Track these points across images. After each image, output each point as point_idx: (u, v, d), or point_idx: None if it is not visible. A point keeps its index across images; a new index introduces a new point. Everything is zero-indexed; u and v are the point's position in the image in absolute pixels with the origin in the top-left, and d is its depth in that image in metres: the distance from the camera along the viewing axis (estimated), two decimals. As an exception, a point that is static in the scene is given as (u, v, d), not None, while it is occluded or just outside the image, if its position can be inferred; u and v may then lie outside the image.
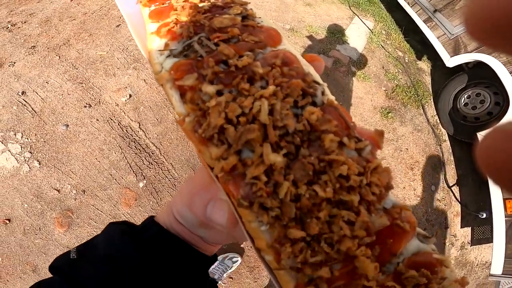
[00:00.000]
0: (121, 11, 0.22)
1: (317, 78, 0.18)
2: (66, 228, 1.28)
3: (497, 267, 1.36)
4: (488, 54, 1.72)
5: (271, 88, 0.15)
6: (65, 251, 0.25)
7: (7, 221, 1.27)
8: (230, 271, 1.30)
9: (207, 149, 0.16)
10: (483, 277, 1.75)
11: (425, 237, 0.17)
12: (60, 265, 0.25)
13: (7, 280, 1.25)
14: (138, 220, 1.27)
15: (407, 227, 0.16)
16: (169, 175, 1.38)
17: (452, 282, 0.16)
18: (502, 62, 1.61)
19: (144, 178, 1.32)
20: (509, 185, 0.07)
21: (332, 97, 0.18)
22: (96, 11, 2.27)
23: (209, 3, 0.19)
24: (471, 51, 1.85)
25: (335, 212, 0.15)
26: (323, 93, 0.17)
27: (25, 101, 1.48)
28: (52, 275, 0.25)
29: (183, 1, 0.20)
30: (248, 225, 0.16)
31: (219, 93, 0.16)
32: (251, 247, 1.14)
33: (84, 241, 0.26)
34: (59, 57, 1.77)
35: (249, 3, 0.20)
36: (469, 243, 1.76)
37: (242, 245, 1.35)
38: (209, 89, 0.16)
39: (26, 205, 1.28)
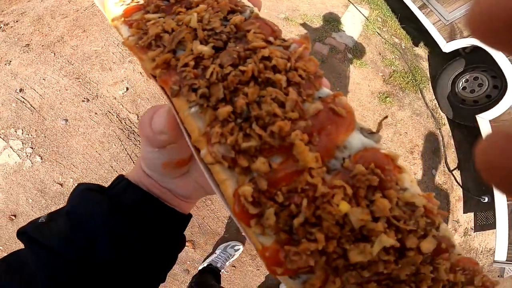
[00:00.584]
0: None
1: (249, 4, 0.19)
2: (71, 221, 1.31)
3: (501, 254, 1.34)
4: None
5: (202, 6, 0.17)
6: None
7: (13, 217, 1.30)
8: (232, 259, 1.32)
9: (147, 55, 0.17)
10: (488, 264, 1.73)
11: (370, 132, 0.16)
12: (25, 228, 0.24)
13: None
14: None
15: (343, 112, 0.15)
16: None
17: (416, 195, 0.15)
18: None
19: None
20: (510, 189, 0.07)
21: (258, 12, 0.19)
22: (88, 7, 2.27)
23: None
24: (467, 36, 1.86)
25: (263, 93, 0.15)
26: (252, 12, 0.18)
27: (24, 98, 1.50)
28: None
29: None
30: (183, 117, 0.16)
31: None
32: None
33: None
34: (54, 54, 1.78)
35: None
36: (472, 229, 1.75)
37: (243, 233, 1.39)
38: (151, 16, 0.18)
39: (30, 200, 1.31)
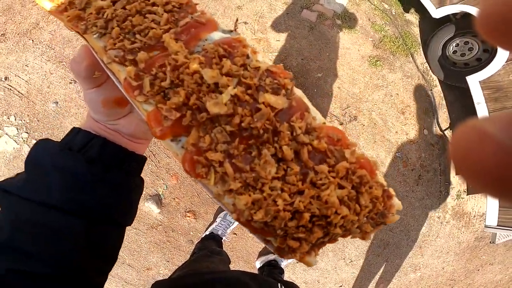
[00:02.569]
0: None
1: None
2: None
3: (492, 218, 1.33)
4: (473, 5, 1.77)
5: None
6: None
7: None
8: (233, 227, 1.37)
9: (63, 16, 0.22)
10: (481, 230, 1.74)
11: (230, 31, 0.21)
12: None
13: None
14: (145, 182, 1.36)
15: (203, 20, 0.20)
16: None
17: (263, 63, 0.18)
18: None
19: None
20: (487, 188, 0.07)
21: None
22: None
23: None
24: (457, 3, 1.89)
25: (145, 20, 0.20)
26: None
27: (10, 86, 1.51)
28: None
29: None
30: (90, 42, 0.21)
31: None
32: None
33: None
34: (32, 40, 1.76)
35: None
36: (465, 191, 1.75)
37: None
38: None
39: (32, 184, 1.37)
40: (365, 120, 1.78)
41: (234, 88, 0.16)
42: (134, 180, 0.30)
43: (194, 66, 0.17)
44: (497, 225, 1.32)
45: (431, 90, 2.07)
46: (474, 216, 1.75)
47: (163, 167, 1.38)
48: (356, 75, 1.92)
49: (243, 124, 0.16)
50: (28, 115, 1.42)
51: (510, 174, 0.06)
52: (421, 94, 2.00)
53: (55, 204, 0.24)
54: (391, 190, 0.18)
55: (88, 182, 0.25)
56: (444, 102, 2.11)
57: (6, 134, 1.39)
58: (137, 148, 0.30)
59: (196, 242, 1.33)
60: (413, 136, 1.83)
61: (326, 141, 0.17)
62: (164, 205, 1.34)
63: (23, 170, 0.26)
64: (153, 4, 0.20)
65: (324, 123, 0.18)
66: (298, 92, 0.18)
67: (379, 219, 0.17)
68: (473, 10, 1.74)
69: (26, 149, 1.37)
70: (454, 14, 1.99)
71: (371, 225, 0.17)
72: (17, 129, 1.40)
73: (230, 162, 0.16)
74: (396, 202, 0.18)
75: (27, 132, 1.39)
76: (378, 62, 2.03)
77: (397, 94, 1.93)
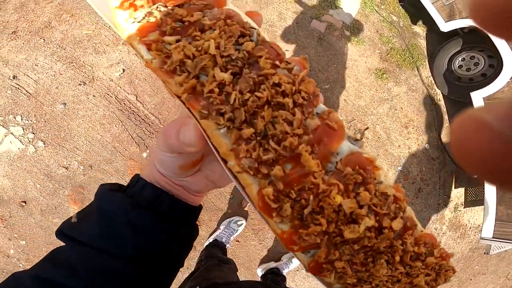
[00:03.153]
0: None
1: (254, 25, 0.23)
2: (80, 204, 1.39)
3: (488, 230, 1.37)
4: None
5: (216, 32, 0.20)
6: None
7: (24, 203, 1.36)
8: (236, 234, 1.40)
9: (173, 80, 0.20)
10: (476, 241, 1.78)
11: (355, 139, 0.22)
12: (61, 229, 0.28)
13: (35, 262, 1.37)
14: None
15: (335, 126, 0.20)
16: None
17: (388, 186, 0.20)
18: None
19: (147, 148, 1.41)
20: (484, 175, 0.07)
21: (265, 36, 0.23)
22: None
23: None
24: (466, 17, 1.90)
25: (276, 114, 0.19)
26: (258, 35, 0.22)
27: (18, 85, 1.51)
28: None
29: None
30: (211, 135, 0.20)
31: (177, 41, 0.21)
32: (253, 211, 1.25)
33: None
34: (44, 40, 1.77)
35: None
36: (462, 204, 1.80)
37: (246, 208, 1.48)
38: (169, 38, 0.20)
39: (38, 186, 1.37)
40: (369, 133, 1.81)
41: (370, 219, 0.19)
42: (196, 229, 0.32)
43: (338, 198, 0.19)
44: (492, 237, 1.36)
45: (434, 104, 2.08)
46: (470, 228, 1.79)
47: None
48: (362, 88, 1.95)
49: (369, 244, 0.20)
50: (35, 116, 1.42)
51: (506, 162, 0.07)
52: (425, 109, 2.02)
53: (130, 256, 0.26)
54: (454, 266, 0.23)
55: (162, 240, 0.27)
56: (446, 117, 2.15)
57: (12, 133, 1.39)
58: (198, 200, 0.31)
59: (200, 249, 1.35)
60: (415, 150, 1.85)
61: (423, 244, 0.21)
62: None
63: (80, 212, 0.28)
64: (283, 93, 0.19)
65: (422, 231, 0.22)
66: (408, 210, 0.22)
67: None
68: None
69: (31, 150, 1.38)
70: (462, 28, 2.01)
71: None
72: (23, 129, 1.40)
73: (351, 266, 0.20)
74: (451, 266, 0.23)
75: (33, 133, 1.40)
76: (384, 75, 2.06)
77: (401, 108, 1.96)
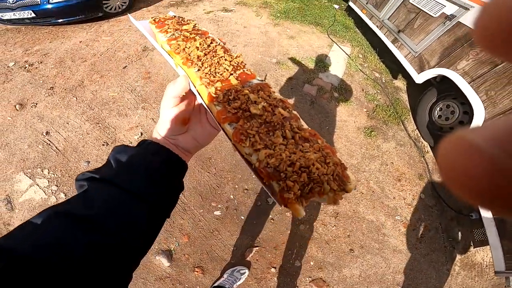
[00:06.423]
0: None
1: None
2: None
3: (499, 264, 1.40)
4: (446, 68, 1.96)
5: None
6: None
7: None
8: (239, 283, 1.45)
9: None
10: (496, 278, 1.73)
11: (261, 80, 0.38)
12: (79, 177, 0.32)
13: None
14: (158, 238, 1.51)
15: (249, 73, 0.39)
16: (180, 201, 1.65)
17: (279, 99, 0.36)
18: (459, 74, 1.84)
19: None
20: (475, 198, 0.07)
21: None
22: (103, 52, 2.71)
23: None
24: (433, 66, 2.10)
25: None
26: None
27: (49, 141, 1.78)
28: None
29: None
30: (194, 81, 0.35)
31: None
32: (257, 260, 1.41)
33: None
34: (76, 98, 2.12)
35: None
36: (471, 245, 1.80)
37: (248, 259, 1.55)
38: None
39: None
40: (364, 188, 1.91)
41: (263, 103, 0.33)
42: (182, 183, 0.40)
43: (246, 91, 0.35)
44: (506, 270, 1.39)
45: (423, 156, 2.22)
46: (486, 266, 1.77)
47: (176, 227, 1.55)
48: (354, 147, 2.15)
49: (267, 119, 0.32)
50: (60, 170, 1.64)
51: (494, 181, 0.07)
52: (415, 161, 2.16)
53: (137, 192, 0.32)
54: (346, 164, 0.31)
55: (165, 180, 0.35)
56: (437, 166, 2.34)
57: (37, 184, 1.59)
58: (186, 158, 0.40)
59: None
60: (411, 200, 1.94)
61: (308, 133, 0.32)
62: (174, 260, 1.44)
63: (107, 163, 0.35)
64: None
65: (307, 127, 0.33)
66: (295, 112, 0.35)
67: (341, 184, 0.28)
68: (448, 73, 1.93)
69: (53, 200, 1.55)
70: (434, 78, 2.15)
71: (337, 185, 0.28)
72: (48, 181, 1.60)
73: (258, 135, 0.30)
74: (351, 175, 0.30)
75: (57, 186, 1.59)
76: (373, 133, 2.27)
77: (392, 163, 2.11)
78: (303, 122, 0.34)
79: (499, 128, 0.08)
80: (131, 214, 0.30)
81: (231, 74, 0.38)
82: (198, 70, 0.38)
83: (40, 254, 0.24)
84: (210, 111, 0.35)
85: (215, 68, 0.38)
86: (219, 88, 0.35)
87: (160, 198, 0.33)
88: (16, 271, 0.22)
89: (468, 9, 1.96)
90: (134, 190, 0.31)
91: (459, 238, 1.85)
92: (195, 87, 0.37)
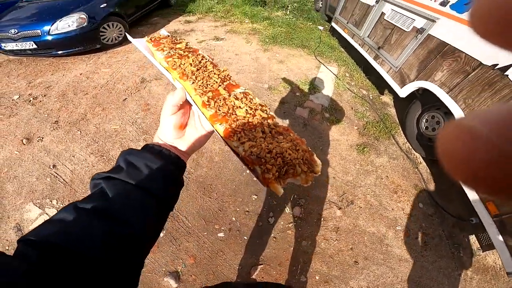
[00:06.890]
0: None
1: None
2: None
3: (509, 265, 1.39)
4: (425, 80, 1.99)
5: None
6: None
7: None
8: None
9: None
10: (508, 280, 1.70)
11: (244, 89, 0.45)
12: (95, 177, 0.37)
13: None
14: (162, 263, 1.52)
15: (234, 83, 0.47)
16: (184, 225, 1.70)
17: (258, 103, 0.48)
18: (437, 85, 1.88)
19: (164, 230, 1.63)
20: (478, 185, 0.07)
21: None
22: (103, 85, 2.80)
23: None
24: (413, 80, 2.13)
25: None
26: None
27: (57, 174, 1.86)
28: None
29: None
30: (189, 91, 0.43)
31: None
32: (262, 277, 1.61)
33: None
34: (80, 132, 2.20)
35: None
36: (479, 249, 1.79)
37: (253, 276, 1.56)
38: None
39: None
40: (362, 203, 1.94)
41: (246, 108, 0.40)
42: (182, 179, 0.45)
43: (232, 98, 0.41)
44: None
45: (417, 167, 2.25)
46: (500, 269, 1.75)
47: (182, 250, 1.58)
48: (348, 164, 2.20)
49: (249, 120, 0.38)
50: (69, 200, 1.70)
51: (492, 166, 0.07)
52: (409, 173, 2.19)
53: (147, 188, 0.36)
54: (312, 151, 0.37)
55: (168, 177, 0.39)
56: (431, 176, 2.18)
57: (47, 214, 1.65)
58: (184, 158, 0.45)
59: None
60: (409, 210, 1.95)
61: (282, 129, 0.38)
62: (182, 281, 1.47)
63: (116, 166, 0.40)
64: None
65: (281, 125, 0.39)
66: (272, 113, 0.41)
67: (310, 166, 0.34)
68: (427, 85, 1.97)
69: None
70: (417, 90, 2.18)
71: (307, 167, 0.34)
72: (57, 210, 1.68)
73: (243, 131, 0.36)
74: (317, 159, 0.36)
75: None
76: (365, 149, 2.33)
77: (387, 176, 2.15)
78: (278, 120, 0.42)
79: (494, 114, 0.08)
80: (144, 206, 0.35)
81: (220, 85, 0.45)
82: (193, 82, 0.44)
83: (68, 244, 0.28)
84: (204, 115, 0.41)
85: (207, 81, 0.45)
86: (210, 97, 0.42)
87: (165, 193, 0.38)
88: (49, 259, 0.26)
89: (435, 21, 2.01)
90: (145, 186, 0.36)
91: (465, 243, 1.83)
92: (191, 97, 0.43)
